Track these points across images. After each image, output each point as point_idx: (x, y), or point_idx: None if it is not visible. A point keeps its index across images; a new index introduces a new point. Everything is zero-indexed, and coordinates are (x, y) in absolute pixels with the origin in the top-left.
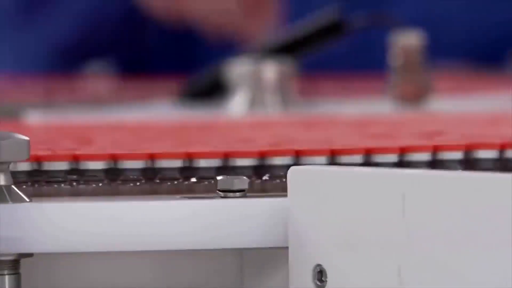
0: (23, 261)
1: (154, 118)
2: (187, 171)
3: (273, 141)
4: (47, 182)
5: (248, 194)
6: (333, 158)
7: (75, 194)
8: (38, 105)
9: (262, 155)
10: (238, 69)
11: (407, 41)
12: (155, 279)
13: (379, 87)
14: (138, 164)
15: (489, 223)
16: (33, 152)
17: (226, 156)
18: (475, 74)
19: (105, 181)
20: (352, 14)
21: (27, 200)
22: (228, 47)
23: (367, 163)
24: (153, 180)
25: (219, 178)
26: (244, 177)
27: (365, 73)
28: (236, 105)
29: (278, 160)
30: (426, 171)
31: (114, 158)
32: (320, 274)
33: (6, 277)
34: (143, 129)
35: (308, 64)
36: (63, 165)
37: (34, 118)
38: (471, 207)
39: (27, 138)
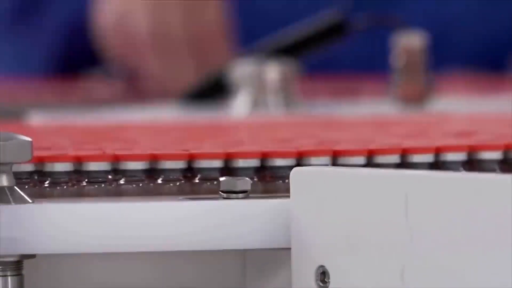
0: (25, 262)
1: (161, 119)
2: (225, 171)
3: (310, 142)
4: (89, 182)
5: (250, 195)
6: (371, 158)
7: (116, 194)
8: (41, 106)
9: (300, 155)
10: (240, 70)
11: (409, 42)
12: (157, 279)
13: (381, 88)
14: (178, 164)
15: (492, 224)
16: (75, 153)
17: (265, 156)
18: (477, 76)
19: (146, 181)
20: (355, 15)
21: (30, 201)
22: None
23: (403, 163)
24: (193, 180)
25: (221, 179)
26: (247, 178)
27: (368, 74)
28: (239, 106)
29: (316, 161)
30: (428, 172)
31: (155, 158)
32: (323, 275)
33: (9, 278)
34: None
35: (311, 65)
36: (104, 166)
37: (37, 119)
38: (474, 208)
39: (29, 139)
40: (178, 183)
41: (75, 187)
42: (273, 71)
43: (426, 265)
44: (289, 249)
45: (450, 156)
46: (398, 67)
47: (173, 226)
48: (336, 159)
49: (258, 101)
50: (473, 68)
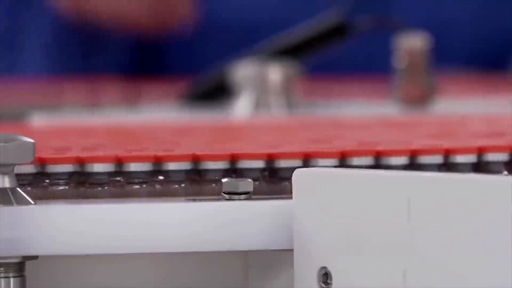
0: (27, 264)
1: (166, 120)
2: (266, 172)
3: (348, 143)
4: (128, 183)
5: (253, 197)
6: (414, 158)
7: (157, 195)
8: (43, 107)
9: (343, 156)
10: (243, 71)
11: (411, 43)
12: (160, 281)
13: (383, 89)
14: (220, 164)
15: (494, 226)
16: (115, 153)
17: (307, 157)
18: (478, 77)
19: (186, 182)
20: (357, 16)
21: (32, 202)
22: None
23: (445, 164)
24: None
25: (224, 180)
26: (249, 180)
27: (370, 76)
28: (241, 107)
29: (357, 161)
30: (431, 174)
31: (197, 159)
32: (325, 277)
33: (11, 279)
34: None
35: (313, 66)
36: (144, 166)
37: (40, 120)
38: (476, 210)
39: (32, 140)
40: (219, 184)
41: (117, 188)
42: (275, 72)
43: (428, 267)
44: (292, 250)
45: (492, 157)
46: (400, 69)
47: (175, 227)
48: (378, 159)
49: (260, 102)
50: (475, 69)
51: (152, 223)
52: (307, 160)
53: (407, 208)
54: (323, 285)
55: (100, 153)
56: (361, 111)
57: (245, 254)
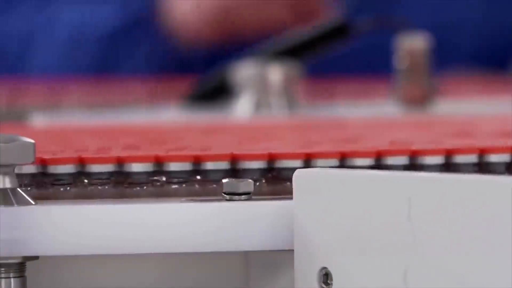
0: (28, 264)
1: (169, 120)
2: None
3: (381, 142)
4: (168, 182)
5: (253, 197)
6: (448, 157)
7: (193, 194)
8: (44, 108)
9: (379, 155)
10: (244, 71)
11: (413, 44)
12: (161, 281)
13: (384, 90)
14: (256, 164)
15: (495, 227)
16: (153, 153)
17: (343, 156)
18: (480, 77)
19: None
20: (358, 17)
21: (33, 203)
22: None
23: (480, 163)
24: (274, 180)
25: (224, 181)
26: (250, 180)
27: (371, 76)
28: (242, 107)
29: (392, 160)
30: (432, 175)
31: (235, 158)
32: (325, 277)
33: (12, 280)
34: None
35: (314, 67)
36: (183, 166)
37: (40, 121)
38: (477, 210)
39: (32, 141)
40: (257, 183)
41: (156, 187)
42: (276, 73)
43: (428, 267)
44: (292, 250)
45: None
46: (401, 69)
47: (176, 227)
48: (413, 159)
49: (261, 103)
50: (476, 69)
51: (153, 224)
52: (343, 160)
53: (408, 208)
54: (323, 286)
55: (137, 153)
56: (363, 112)
57: (246, 255)
